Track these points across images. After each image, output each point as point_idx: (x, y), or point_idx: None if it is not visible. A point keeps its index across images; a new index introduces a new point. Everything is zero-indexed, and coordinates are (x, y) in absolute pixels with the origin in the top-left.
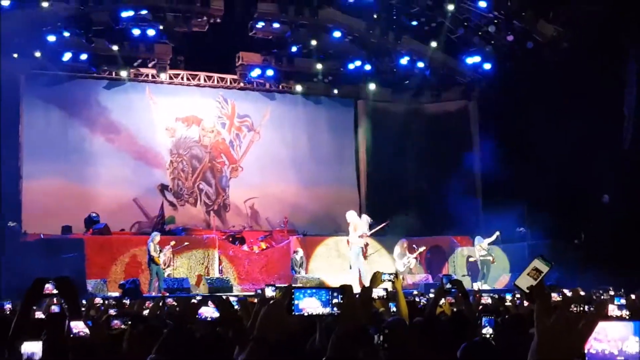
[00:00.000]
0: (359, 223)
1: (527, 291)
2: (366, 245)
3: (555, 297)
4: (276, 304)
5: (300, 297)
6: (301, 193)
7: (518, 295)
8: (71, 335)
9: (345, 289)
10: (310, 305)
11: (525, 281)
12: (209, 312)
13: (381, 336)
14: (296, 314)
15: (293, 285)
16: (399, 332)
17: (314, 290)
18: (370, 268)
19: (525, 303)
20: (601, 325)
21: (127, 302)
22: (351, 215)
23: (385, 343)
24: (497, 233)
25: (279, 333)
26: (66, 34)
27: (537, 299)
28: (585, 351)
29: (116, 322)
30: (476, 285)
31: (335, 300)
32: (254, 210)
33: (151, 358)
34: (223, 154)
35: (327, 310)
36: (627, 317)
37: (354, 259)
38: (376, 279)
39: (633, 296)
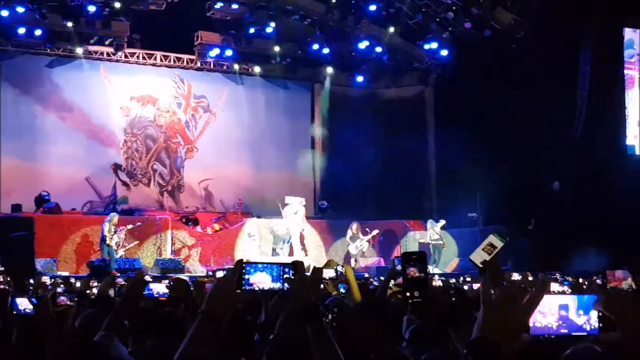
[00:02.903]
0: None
1: (481, 266)
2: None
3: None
4: (225, 279)
5: (251, 272)
6: (256, 176)
7: (468, 279)
8: (14, 312)
9: (296, 265)
10: (260, 280)
11: (479, 256)
12: (158, 288)
13: (330, 315)
14: (247, 288)
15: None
16: (347, 312)
17: (265, 265)
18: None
19: (475, 286)
20: (546, 299)
21: (95, 282)
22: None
23: (334, 322)
24: (443, 222)
25: (227, 308)
26: (20, 9)
27: (487, 274)
28: (530, 325)
29: (62, 298)
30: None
31: (286, 276)
32: (208, 191)
33: (100, 335)
34: (178, 134)
35: (278, 285)
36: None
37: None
38: (329, 266)
39: (581, 279)
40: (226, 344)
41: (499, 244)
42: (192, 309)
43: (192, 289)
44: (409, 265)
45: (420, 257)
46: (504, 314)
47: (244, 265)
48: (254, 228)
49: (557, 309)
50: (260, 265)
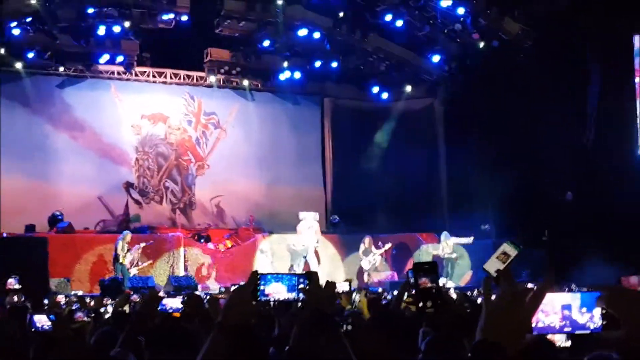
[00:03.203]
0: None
1: (495, 274)
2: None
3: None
4: (241, 290)
5: (266, 283)
6: (267, 191)
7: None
8: (33, 329)
9: (311, 275)
10: (276, 290)
11: (493, 265)
12: (173, 303)
13: (345, 326)
14: (262, 299)
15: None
16: (362, 324)
17: (280, 276)
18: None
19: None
20: (548, 297)
21: (109, 300)
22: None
23: (349, 333)
24: (472, 238)
25: (243, 319)
26: (30, 30)
27: (502, 283)
28: (533, 325)
29: (79, 314)
30: (441, 281)
31: (301, 286)
32: (220, 208)
33: (116, 351)
34: (189, 151)
35: (293, 295)
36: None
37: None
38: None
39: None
40: (241, 355)
41: (513, 252)
42: (206, 324)
43: (206, 304)
44: (421, 275)
45: (432, 267)
46: (506, 315)
47: (259, 276)
48: (266, 244)
49: (559, 308)
50: (275, 276)
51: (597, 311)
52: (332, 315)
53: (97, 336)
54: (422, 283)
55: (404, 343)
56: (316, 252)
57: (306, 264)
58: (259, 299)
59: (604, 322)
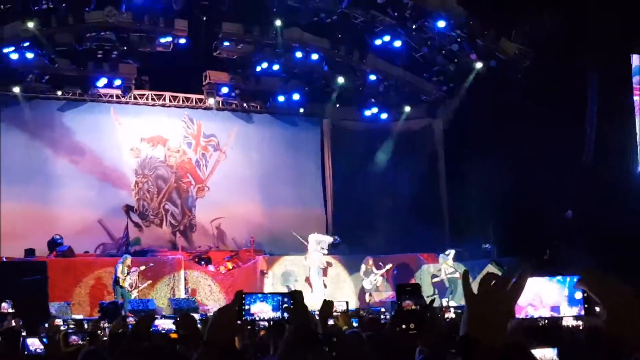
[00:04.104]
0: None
1: None
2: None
3: None
4: (226, 309)
5: (251, 302)
6: (268, 213)
7: None
8: (26, 353)
9: (294, 295)
10: (261, 309)
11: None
12: (164, 324)
13: (329, 346)
14: (248, 318)
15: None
16: (350, 343)
17: (264, 295)
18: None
19: None
20: (536, 292)
21: (105, 324)
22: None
23: (334, 352)
24: (453, 251)
25: (228, 338)
26: (29, 54)
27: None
28: (522, 316)
29: (74, 337)
30: (443, 302)
31: (285, 306)
32: (220, 230)
33: None
34: (189, 173)
35: (278, 314)
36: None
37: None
38: (328, 307)
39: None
40: None
41: (497, 273)
42: (197, 344)
43: (199, 326)
44: (404, 298)
45: (415, 289)
46: (488, 306)
47: (243, 296)
48: (265, 266)
49: (547, 301)
50: (260, 296)
51: (579, 295)
52: (316, 333)
53: (82, 356)
54: (405, 305)
55: None
56: (324, 271)
57: (308, 282)
58: (244, 318)
59: (586, 306)
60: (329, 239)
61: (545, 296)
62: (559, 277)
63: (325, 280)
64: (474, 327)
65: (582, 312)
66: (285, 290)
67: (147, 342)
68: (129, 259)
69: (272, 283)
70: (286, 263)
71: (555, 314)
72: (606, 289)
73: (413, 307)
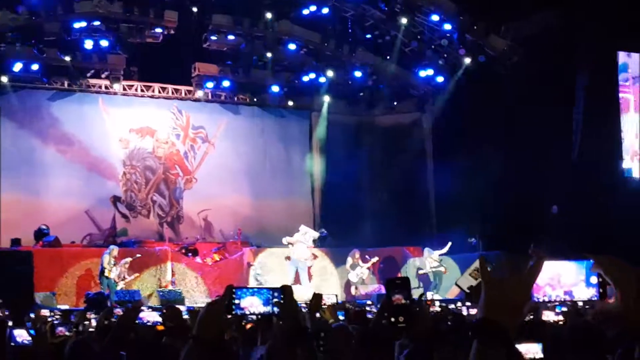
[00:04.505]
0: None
1: (468, 291)
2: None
3: None
4: (215, 303)
5: (241, 296)
6: (255, 205)
7: (468, 303)
8: (12, 344)
9: (285, 289)
10: (251, 304)
11: (466, 281)
12: (150, 316)
13: (319, 339)
14: (238, 312)
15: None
16: (337, 337)
17: (255, 289)
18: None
19: (472, 311)
20: (555, 271)
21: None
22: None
23: (322, 347)
24: (449, 243)
25: (217, 332)
26: (17, 44)
27: (474, 300)
28: (541, 298)
29: (61, 329)
30: (428, 295)
31: (275, 300)
32: (208, 222)
33: None
34: (177, 165)
35: (268, 309)
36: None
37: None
38: (318, 300)
39: (580, 303)
40: None
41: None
42: (185, 336)
43: (187, 317)
44: (394, 292)
45: (404, 283)
46: (505, 289)
47: (234, 290)
48: (253, 257)
49: (565, 281)
50: (250, 290)
51: (595, 279)
52: (306, 328)
53: (71, 346)
54: (395, 299)
55: (385, 357)
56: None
57: (297, 276)
58: (234, 312)
59: (601, 291)
60: (314, 235)
61: (563, 277)
62: (578, 260)
63: (311, 272)
64: (491, 310)
65: (597, 296)
66: (274, 283)
67: (133, 334)
68: (115, 250)
69: (261, 274)
70: (274, 255)
71: (568, 298)
72: (619, 272)
73: (403, 301)
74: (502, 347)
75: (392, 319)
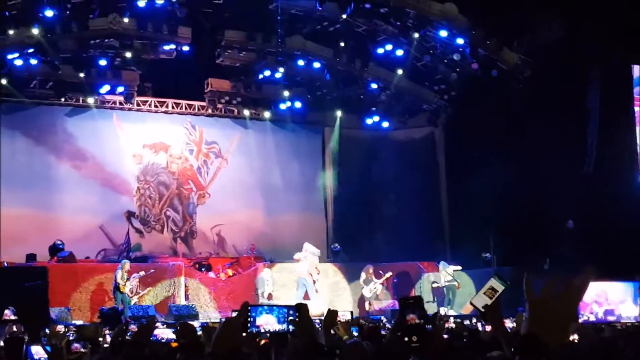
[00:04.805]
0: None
1: (483, 310)
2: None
3: (506, 322)
4: (231, 321)
5: (257, 315)
6: (268, 220)
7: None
8: None
9: (300, 307)
10: (267, 321)
11: (481, 300)
12: (164, 333)
13: (334, 356)
14: (253, 330)
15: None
16: (352, 354)
17: (270, 308)
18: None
19: (488, 328)
20: (602, 289)
21: (106, 331)
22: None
23: None
24: (459, 267)
25: (233, 349)
26: (33, 60)
27: (490, 319)
28: (587, 315)
29: (76, 345)
30: (442, 310)
31: (290, 318)
32: (221, 237)
33: None
34: (190, 180)
35: (284, 327)
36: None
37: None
38: (332, 317)
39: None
40: None
41: (500, 287)
42: (199, 354)
43: (200, 334)
44: (408, 311)
45: (417, 302)
46: (551, 307)
47: (249, 308)
48: (267, 273)
49: (613, 298)
50: (266, 308)
51: None
52: (322, 345)
53: None
54: (410, 319)
55: None
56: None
57: (306, 293)
58: (249, 330)
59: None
60: (315, 251)
61: (610, 294)
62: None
63: (322, 287)
64: (536, 327)
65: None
66: (286, 298)
67: (147, 350)
68: (127, 264)
69: (273, 290)
70: (287, 270)
71: (611, 317)
72: (531, 290)
73: (417, 321)
74: None
75: (406, 339)
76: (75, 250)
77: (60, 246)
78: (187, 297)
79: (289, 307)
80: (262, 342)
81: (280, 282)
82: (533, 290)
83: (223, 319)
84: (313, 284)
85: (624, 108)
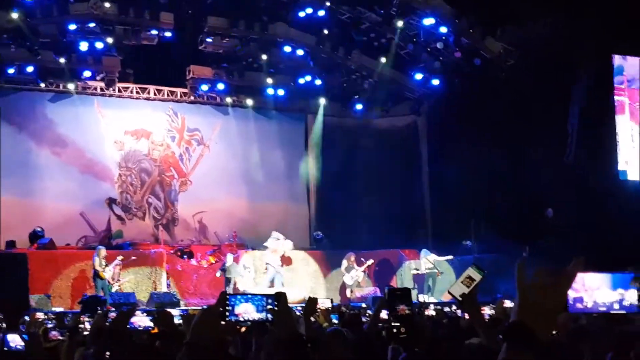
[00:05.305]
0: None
1: (460, 299)
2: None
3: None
4: (209, 310)
5: (236, 303)
6: (250, 208)
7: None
8: (5, 349)
9: (279, 296)
10: (245, 310)
11: (458, 289)
12: (142, 321)
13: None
14: (232, 319)
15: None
16: (332, 342)
17: (249, 296)
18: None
19: (467, 315)
20: (578, 275)
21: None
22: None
23: (316, 351)
24: (451, 257)
25: (211, 338)
26: (12, 46)
27: (466, 308)
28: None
29: (54, 333)
30: (422, 298)
31: (269, 307)
32: (203, 224)
33: None
34: (172, 167)
35: (262, 315)
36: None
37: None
38: (312, 304)
39: None
40: None
41: (477, 276)
42: (177, 341)
43: (179, 322)
44: (397, 302)
45: (406, 293)
46: (540, 296)
47: (227, 296)
48: (249, 260)
49: (590, 285)
50: (244, 297)
51: (633, 292)
52: (301, 334)
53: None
54: (400, 310)
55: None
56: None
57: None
58: (228, 318)
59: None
60: (278, 237)
61: (587, 280)
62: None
63: (304, 276)
64: (524, 315)
65: (635, 308)
66: (268, 285)
67: (125, 338)
68: (102, 250)
69: (254, 277)
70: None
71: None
72: (523, 276)
73: (407, 311)
74: (531, 352)
75: (394, 330)
76: (56, 237)
77: (40, 233)
78: (168, 285)
79: (267, 296)
80: (243, 329)
81: (261, 270)
82: (525, 277)
83: (205, 307)
84: (282, 274)
85: (604, 98)
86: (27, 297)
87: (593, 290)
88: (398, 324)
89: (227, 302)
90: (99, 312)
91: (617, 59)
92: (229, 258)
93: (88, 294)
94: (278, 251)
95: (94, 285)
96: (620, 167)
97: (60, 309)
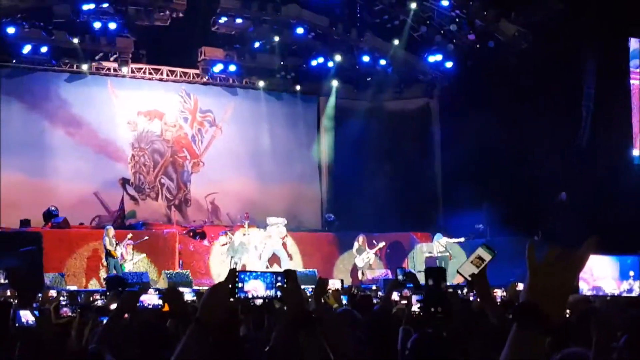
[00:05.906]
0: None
1: (469, 279)
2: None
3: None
4: (219, 287)
5: (245, 280)
6: (262, 189)
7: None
8: (17, 324)
9: (288, 273)
10: (255, 287)
11: (468, 268)
12: (151, 299)
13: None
14: (241, 296)
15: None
16: (341, 322)
17: (258, 274)
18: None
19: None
20: (587, 265)
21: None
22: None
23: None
24: (462, 239)
25: (220, 315)
26: (26, 26)
27: (476, 287)
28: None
29: (65, 309)
30: None
31: (278, 284)
32: (215, 205)
33: (91, 347)
34: (185, 148)
35: (271, 292)
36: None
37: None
38: (323, 286)
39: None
40: (216, 351)
41: (487, 256)
42: (185, 319)
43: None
44: (435, 280)
45: (442, 273)
46: (550, 277)
47: (237, 273)
48: (259, 239)
49: (598, 274)
50: (254, 274)
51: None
52: (309, 312)
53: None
54: (443, 287)
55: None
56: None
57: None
58: (237, 295)
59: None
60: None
61: (595, 270)
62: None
63: (317, 257)
64: (534, 296)
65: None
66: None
67: (133, 317)
68: (111, 230)
69: (263, 256)
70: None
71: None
72: (533, 257)
73: (449, 290)
74: (541, 332)
75: (432, 309)
76: (70, 216)
77: (55, 212)
78: (180, 265)
79: (276, 274)
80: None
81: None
82: (535, 257)
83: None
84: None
85: (619, 81)
86: (41, 275)
87: (600, 279)
88: (434, 305)
89: (237, 279)
90: (127, 290)
91: (633, 42)
92: (237, 238)
93: (112, 273)
94: (273, 236)
95: (107, 264)
96: (635, 152)
97: (74, 288)
